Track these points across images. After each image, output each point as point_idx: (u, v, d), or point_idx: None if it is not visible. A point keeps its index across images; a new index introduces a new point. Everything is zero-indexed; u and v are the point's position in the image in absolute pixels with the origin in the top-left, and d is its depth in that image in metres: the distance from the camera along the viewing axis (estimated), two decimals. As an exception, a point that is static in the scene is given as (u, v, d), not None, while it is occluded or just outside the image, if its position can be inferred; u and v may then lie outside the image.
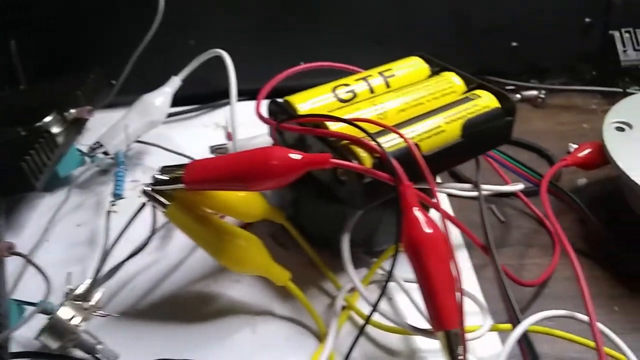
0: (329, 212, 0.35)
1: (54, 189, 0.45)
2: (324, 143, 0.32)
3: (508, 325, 0.33)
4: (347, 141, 0.32)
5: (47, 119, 0.41)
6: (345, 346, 0.32)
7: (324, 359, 0.31)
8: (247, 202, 0.35)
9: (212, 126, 0.52)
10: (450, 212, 0.44)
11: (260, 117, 0.36)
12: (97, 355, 0.31)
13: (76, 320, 0.31)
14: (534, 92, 0.57)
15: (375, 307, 0.30)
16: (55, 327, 0.31)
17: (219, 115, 0.54)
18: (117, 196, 0.38)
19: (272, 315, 0.35)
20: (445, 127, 0.34)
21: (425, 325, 0.30)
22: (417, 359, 0.33)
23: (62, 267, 0.37)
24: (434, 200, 0.31)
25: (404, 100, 0.36)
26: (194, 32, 0.54)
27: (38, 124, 0.40)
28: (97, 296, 0.33)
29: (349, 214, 0.34)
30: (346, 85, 0.37)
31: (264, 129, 0.37)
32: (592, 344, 0.31)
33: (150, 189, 0.32)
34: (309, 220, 0.37)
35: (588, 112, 0.56)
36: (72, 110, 0.44)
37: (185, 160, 0.34)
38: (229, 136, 0.45)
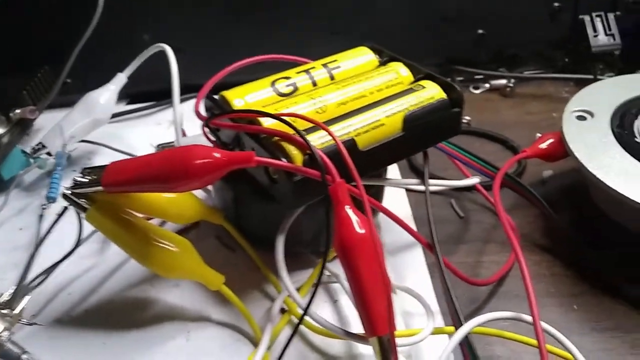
0: (269, 212, 0.34)
1: (-2, 191, 0.43)
2: (255, 140, 0.31)
3: (451, 328, 0.31)
4: (278, 138, 0.30)
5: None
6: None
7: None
8: (178, 203, 0.33)
9: (165, 124, 0.51)
10: (407, 208, 0.42)
11: (197, 114, 0.35)
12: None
13: (-1, 329, 0.30)
14: (503, 81, 0.55)
15: (306, 310, 0.28)
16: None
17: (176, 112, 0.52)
18: (51, 199, 0.36)
19: (209, 321, 0.34)
20: (385, 120, 0.32)
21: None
22: (357, 364, 0.32)
23: (1, 272, 0.36)
24: (365, 199, 0.29)
25: (345, 93, 0.34)
26: (148, 26, 0.52)
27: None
28: (22, 304, 0.32)
29: (286, 214, 0.32)
30: (287, 78, 0.35)
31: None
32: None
33: (69, 192, 0.30)
34: (250, 221, 0.36)
35: (559, 101, 0.54)
36: (17, 111, 0.43)
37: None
38: (184, 133, 0.44)
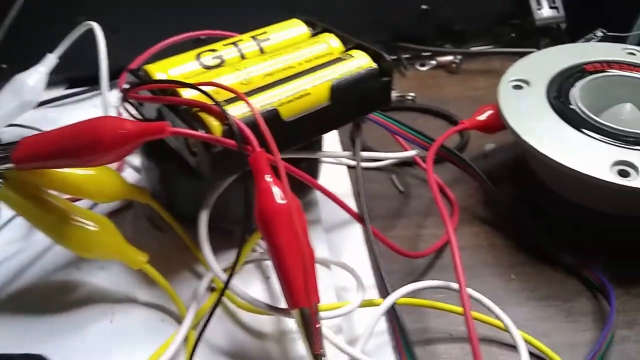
0: (195, 189, 0.33)
1: None
2: (173, 112, 0.30)
3: (380, 300, 0.30)
4: (197, 109, 0.29)
5: None
6: (212, 330, 0.30)
7: (178, 340, 0.29)
8: (96, 180, 0.32)
9: (103, 107, 0.49)
10: (347, 183, 0.41)
11: (120, 90, 0.33)
12: None
13: None
14: (449, 58, 0.55)
15: (226, 285, 0.28)
16: None
17: (115, 95, 0.51)
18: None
19: (135, 303, 0.32)
20: (312, 90, 0.31)
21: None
22: (287, 340, 0.31)
23: None
24: (281, 165, 0.28)
25: (272, 65, 0.33)
26: (82, 7, 0.50)
27: None
28: None
29: (209, 190, 0.31)
30: (213, 51, 0.34)
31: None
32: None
33: (-21, 170, 0.29)
34: (179, 199, 0.35)
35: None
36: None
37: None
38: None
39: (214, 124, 0.28)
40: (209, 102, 0.29)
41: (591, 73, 0.40)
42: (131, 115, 0.33)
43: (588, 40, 0.49)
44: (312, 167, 0.37)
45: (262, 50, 0.35)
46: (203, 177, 0.30)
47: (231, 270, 0.27)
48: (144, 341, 0.30)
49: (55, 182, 0.30)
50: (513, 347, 0.29)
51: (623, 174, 0.33)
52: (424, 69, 0.55)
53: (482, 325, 0.31)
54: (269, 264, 0.34)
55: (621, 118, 0.38)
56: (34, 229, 0.30)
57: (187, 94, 0.30)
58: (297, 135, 0.31)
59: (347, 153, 0.36)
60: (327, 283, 0.33)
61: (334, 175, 0.41)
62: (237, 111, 0.29)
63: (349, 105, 0.33)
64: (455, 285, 0.29)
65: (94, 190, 0.32)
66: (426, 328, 0.32)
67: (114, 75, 0.51)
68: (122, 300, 0.33)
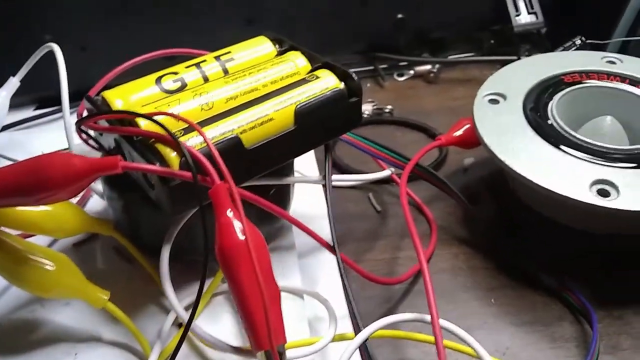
0: (159, 221, 0.31)
1: None
2: (130, 144, 0.28)
3: (352, 335, 0.29)
4: (153, 140, 0.28)
5: None
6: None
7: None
8: (55, 216, 0.30)
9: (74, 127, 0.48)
10: (323, 205, 0.40)
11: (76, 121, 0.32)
12: None
13: None
14: (427, 67, 0.53)
15: (188, 326, 0.26)
16: None
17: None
18: None
19: (99, 341, 0.31)
20: (275, 115, 0.30)
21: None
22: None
23: None
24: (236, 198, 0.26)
25: (236, 87, 0.32)
26: (49, 25, 0.49)
27: None
28: None
29: (172, 222, 0.30)
30: (174, 74, 0.33)
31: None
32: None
33: None
34: (144, 231, 0.33)
35: (484, 85, 0.52)
36: None
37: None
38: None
39: (171, 155, 0.27)
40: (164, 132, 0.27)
41: (569, 84, 0.39)
42: (89, 145, 0.32)
43: (567, 49, 0.47)
44: (284, 192, 0.36)
45: (226, 72, 0.34)
46: (164, 212, 0.28)
47: (192, 310, 0.26)
48: (107, 383, 0.29)
49: (9, 220, 0.29)
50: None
51: (603, 193, 0.31)
52: (402, 79, 0.54)
53: (459, 355, 0.29)
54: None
55: (601, 132, 0.37)
56: None
57: (144, 123, 0.29)
58: (261, 163, 0.30)
59: (317, 177, 0.35)
60: (300, 314, 0.32)
61: (310, 196, 0.40)
62: (195, 141, 0.28)
63: (316, 129, 0.32)
64: (427, 318, 0.28)
65: (53, 227, 0.30)
66: (402, 358, 0.31)
67: (83, 94, 0.50)
68: (86, 339, 0.31)
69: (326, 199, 0.33)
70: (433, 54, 0.55)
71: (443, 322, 0.27)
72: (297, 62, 0.34)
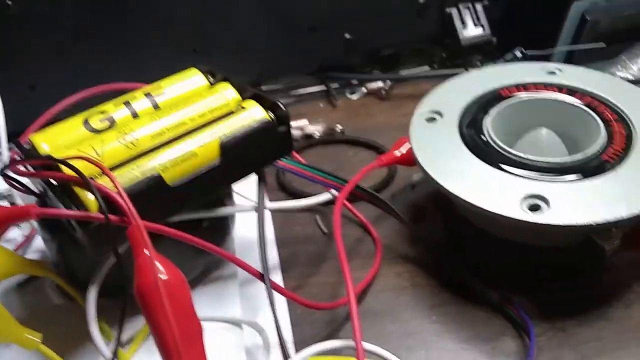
0: (88, 260, 0.31)
1: None
2: (50, 188, 0.28)
3: (282, 365, 0.29)
4: (71, 183, 0.28)
5: None
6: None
7: None
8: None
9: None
10: (270, 229, 0.40)
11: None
12: None
13: None
14: (379, 84, 0.53)
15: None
16: None
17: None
18: None
19: (37, 385, 0.31)
20: (199, 150, 0.30)
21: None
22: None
23: None
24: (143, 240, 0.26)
25: (163, 123, 0.32)
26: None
27: None
28: None
29: (99, 262, 0.30)
30: (103, 112, 0.33)
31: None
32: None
33: None
34: (76, 269, 0.33)
35: (436, 99, 0.53)
36: None
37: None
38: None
39: (89, 198, 0.27)
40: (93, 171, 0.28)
41: (506, 98, 0.39)
42: (18, 190, 0.32)
43: (508, 61, 0.48)
44: (221, 221, 0.36)
45: (156, 107, 0.34)
46: (88, 253, 0.28)
47: (114, 348, 0.26)
48: None
49: None
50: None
51: (533, 208, 0.31)
52: (354, 97, 0.54)
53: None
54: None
55: (538, 144, 0.37)
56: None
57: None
58: (185, 199, 0.30)
59: (251, 205, 0.35)
60: (238, 344, 0.32)
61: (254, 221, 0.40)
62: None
63: (242, 161, 0.32)
64: (351, 344, 0.28)
65: (-19, 272, 0.30)
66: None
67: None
68: (24, 382, 0.31)
69: (258, 227, 0.33)
70: (386, 71, 0.55)
71: (368, 346, 0.28)
72: (225, 94, 0.34)
